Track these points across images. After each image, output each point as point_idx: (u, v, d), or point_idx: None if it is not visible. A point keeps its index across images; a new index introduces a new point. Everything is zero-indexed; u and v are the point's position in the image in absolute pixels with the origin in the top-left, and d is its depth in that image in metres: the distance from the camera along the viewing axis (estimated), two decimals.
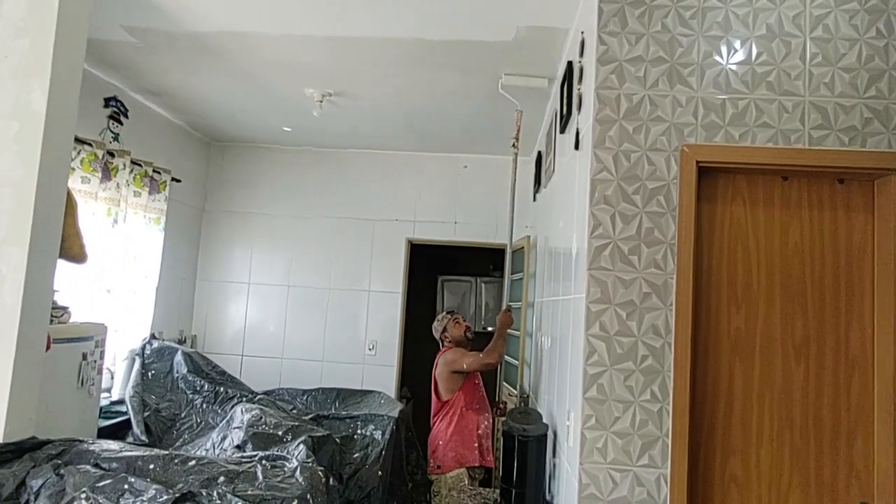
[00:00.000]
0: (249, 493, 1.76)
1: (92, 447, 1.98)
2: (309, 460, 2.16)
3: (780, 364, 1.87)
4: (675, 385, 1.79)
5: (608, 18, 1.92)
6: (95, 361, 2.68)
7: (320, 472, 2.03)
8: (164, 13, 2.62)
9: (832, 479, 1.84)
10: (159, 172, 4.03)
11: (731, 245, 1.91)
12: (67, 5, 2.06)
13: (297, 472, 1.95)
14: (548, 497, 2.40)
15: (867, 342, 1.86)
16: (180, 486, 1.77)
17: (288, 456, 2.15)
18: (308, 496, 1.82)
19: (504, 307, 3.32)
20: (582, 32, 2.22)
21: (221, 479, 1.81)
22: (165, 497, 1.70)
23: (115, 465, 1.88)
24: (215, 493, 1.73)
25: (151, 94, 3.80)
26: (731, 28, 1.89)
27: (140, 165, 3.81)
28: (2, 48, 2.03)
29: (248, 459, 2.05)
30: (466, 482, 3.09)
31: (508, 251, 3.44)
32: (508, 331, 4.08)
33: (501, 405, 3.50)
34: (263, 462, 2.01)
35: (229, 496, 1.71)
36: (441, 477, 3.14)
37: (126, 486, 1.75)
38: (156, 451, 2.02)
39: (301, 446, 2.34)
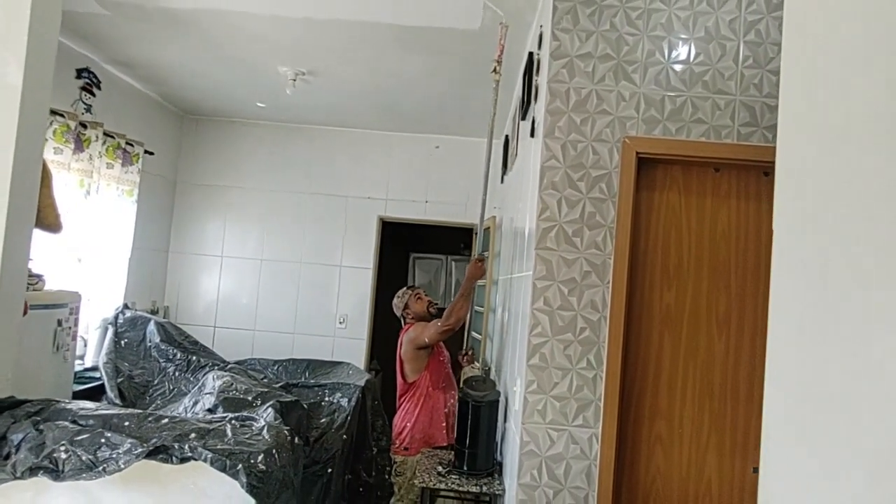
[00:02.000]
0: (219, 447, 1.91)
1: (69, 406, 2.10)
2: (276, 422, 2.31)
3: (704, 337, 2.08)
4: (609, 354, 1.98)
5: (561, 15, 2.06)
6: (70, 328, 2.78)
7: (286, 431, 2.19)
8: None
9: (744, 440, 2.07)
10: (132, 144, 4.06)
11: (666, 229, 2.10)
12: None
13: (265, 431, 2.10)
14: (498, 458, 2.61)
15: None
16: (154, 440, 1.91)
17: (256, 417, 2.30)
18: (274, 451, 1.98)
19: (476, 256, 3.06)
20: (541, 26, 2.36)
21: (193, 434, 1.95)
22: (140, 450, 1.84)
23: (91, 422, 2.01)
24: (187, 447, 1.87)
25: (123, 66, 3.82)
26: (673, 29, 2.05)
27: (113, 137, 3.85)
28: None
29: (219, 419, 2.19)
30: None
31: (484, 197, 2.99)
32: (477, 308, 4.25)
33: (470, 352, 3.45)
34: (233, 421, 2.16)
35: (200, 449, 1.86)
36: (408, 459, 3.20)
37: (103, 440, 1.88)
38: (130, 409, 2.15)
39: (269, 410, 2.48)
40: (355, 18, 2.82)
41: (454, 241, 6.26)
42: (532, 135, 2.34)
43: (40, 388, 2.57)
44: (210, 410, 2.70)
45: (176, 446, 1.88)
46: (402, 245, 6.23)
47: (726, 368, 2.08)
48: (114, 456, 1.85)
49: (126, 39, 3.33)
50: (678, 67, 2.04)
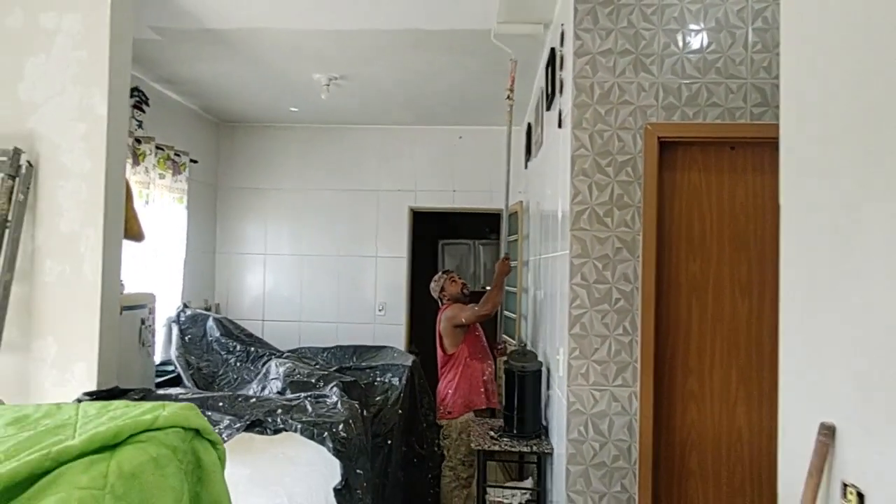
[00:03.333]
0: (304, 419, 2.20)
1: (168, 391, 2.41)
2: (344, 398, 2.60)
3: (728, 301, 2.29)
4: (643, 321, 2.21)
5: (582, 16, 2.26)
6: (150, 325, 3.09)
7: (356, 405, 2.47)
8: (191, 15, 2.93)
9: (770, 392, 2.29)
10: (179, 155, 4.36)
11: (689, 205, 2.31)
12: (117, 19, 2.38)
13: (339, 405, 2.38)
14: (544, 422, 2.86)
15: None
16: (247, 416, 2.20)
17: (328, 394, 2.58)
18: (350, 420, 2.26)
19: (503, 256, 3.49)
20: (562, 24, 2.56)
21: (279, 410, 2.24)
22: (239, 424, 2.13)
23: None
24: (278, 420, 2.16)
25: (167, 83, 4.10)
26: (685, 22, 2.23)
27: (163, 149, 4.14)
28: (64, 59, 2.36)
29: (296, 398, 2.48)
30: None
31: (507, 190, 3.43)
32: (507, 288, 4.50)
33: (501, 345, 3.83)
34: (309, 399, 2.44)
35: (290, 421, 2.15)
36: (452, 422, 3.53)
37: (205, 418, 2.18)
38: (220, 392, 2.45)
39: (335, 388, 2.77)
40: (381, 27, 3.05)
41: (481, 226, 6.49)
42: (560, 126, 2.55)
43: (131, 380, 2.89)
44: (279, 393, 3.01)
45: (269, 420, 2.17)
46: (430, 232, 6.47)
47: (750, 328, 2.29)
48: (217, 431, 2.15)
49: (171, 59, 3.60)
50: (692, 57, 2.23)
